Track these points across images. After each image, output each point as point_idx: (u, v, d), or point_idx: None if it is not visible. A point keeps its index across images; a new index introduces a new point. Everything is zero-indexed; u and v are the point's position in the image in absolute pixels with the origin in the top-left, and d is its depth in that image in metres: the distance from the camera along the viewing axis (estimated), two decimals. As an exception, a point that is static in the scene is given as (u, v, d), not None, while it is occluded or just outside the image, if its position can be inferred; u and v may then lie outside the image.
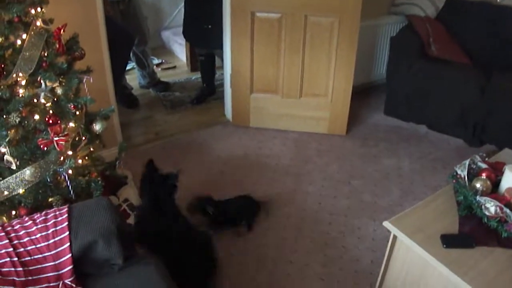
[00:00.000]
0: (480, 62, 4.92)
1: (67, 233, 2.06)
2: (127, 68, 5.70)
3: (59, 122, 2.63)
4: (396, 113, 5.13)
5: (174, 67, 6.41)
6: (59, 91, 2.69)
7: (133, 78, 5.73)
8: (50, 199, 2.73)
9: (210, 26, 4.86)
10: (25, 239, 2.05)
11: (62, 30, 2.72)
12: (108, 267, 2.18)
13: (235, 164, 4.29)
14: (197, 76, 5.94)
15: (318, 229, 3.60)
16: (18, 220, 2.14)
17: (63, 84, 2.70)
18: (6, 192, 2.57)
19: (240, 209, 3.63)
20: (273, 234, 3.53)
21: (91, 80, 2.95)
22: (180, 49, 6.54)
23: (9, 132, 2.50)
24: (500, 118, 4.40)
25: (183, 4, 5.33)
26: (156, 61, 6.31)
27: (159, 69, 6.23)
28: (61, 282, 2.05)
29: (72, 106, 2.77)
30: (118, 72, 4.75)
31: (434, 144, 4.76)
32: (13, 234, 2.06)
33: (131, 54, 5.30)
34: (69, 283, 2.05)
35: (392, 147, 4.68)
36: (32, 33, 2.52)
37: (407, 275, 2.69)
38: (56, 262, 2.04)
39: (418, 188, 4.08)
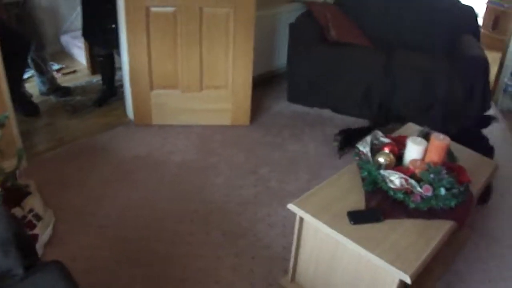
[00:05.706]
0: (381, 44, 5.03)
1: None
2: (26, 76, 5.47)
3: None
4: (299, 99, 5.13)
5: (75, 71, 6.20)
6: None
7: (33, 86, 5.50)
8: None
9: (114, 26, 4.73)
10: None
11: None
12: (9, 278, 2.06)
13: (140, 164, 4.17)
14: (98, 78, 5.76)
15: (228, 220, 3.55)
16: None
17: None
18: None
19: None
20: (182, 230, 3.44)
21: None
22: (79, 53, 6.33)
23: None
24: (404, 94, 4.52)
25: (80, 6, 5.18)
26: (56, 66, 6.09)
27: (60, 74, 6.01)
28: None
29: (-36, 115, 2.65)
30: (16, 79, 4.52)
31: (339, 126, 4.78)
32: None
33: (29, 61, 5.09)
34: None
35: (297, 133, 4.70)
36: None
37: (319, 257, 2.69)
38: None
39: (326, 171, 4.09)
